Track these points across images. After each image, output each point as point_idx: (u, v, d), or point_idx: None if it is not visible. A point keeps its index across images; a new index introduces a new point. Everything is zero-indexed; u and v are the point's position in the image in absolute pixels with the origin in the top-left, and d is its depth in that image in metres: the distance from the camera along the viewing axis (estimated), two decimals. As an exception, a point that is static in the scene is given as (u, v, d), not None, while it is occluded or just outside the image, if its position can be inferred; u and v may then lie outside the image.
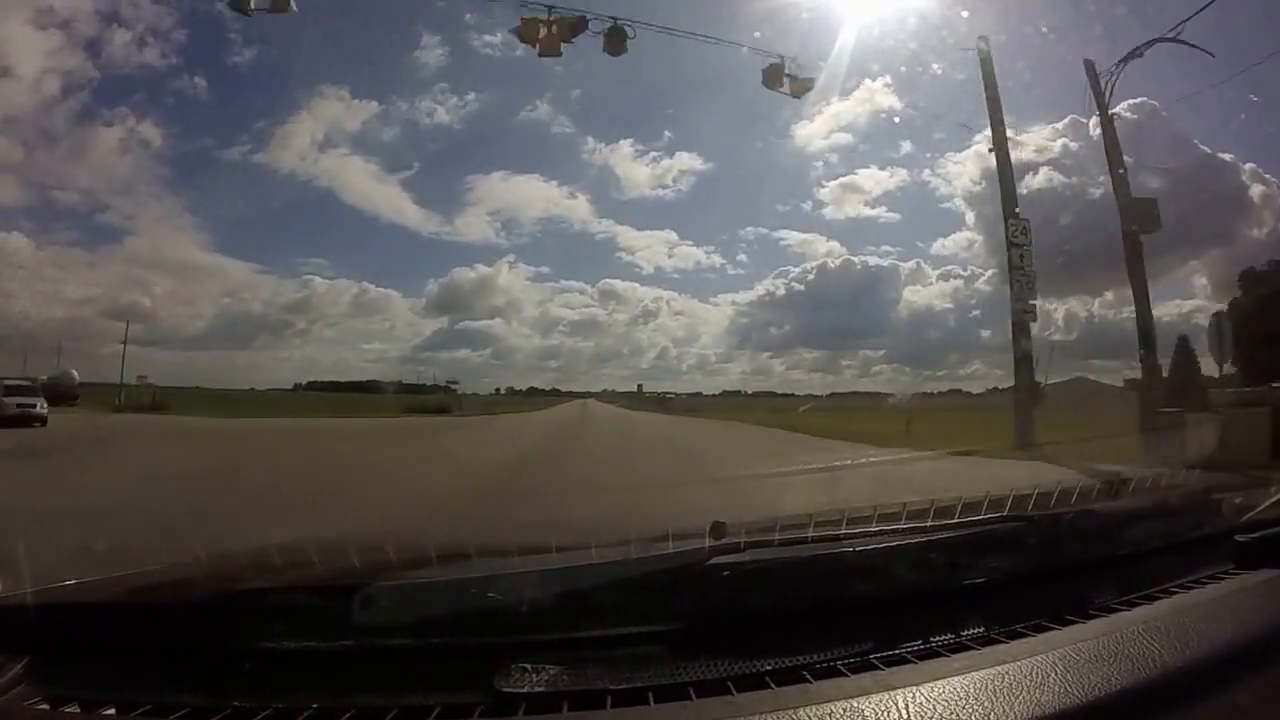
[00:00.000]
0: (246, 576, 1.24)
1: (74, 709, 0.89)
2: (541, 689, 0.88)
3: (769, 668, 0.92)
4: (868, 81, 37.76)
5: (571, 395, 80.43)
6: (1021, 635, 1.03)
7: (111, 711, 0.87)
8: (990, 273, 47.60)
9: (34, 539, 1.24)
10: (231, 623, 0.98)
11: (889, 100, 38.42)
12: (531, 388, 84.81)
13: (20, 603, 1.01)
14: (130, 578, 1.19)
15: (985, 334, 51.68)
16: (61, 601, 1.05)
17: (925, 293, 53.77)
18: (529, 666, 0.90)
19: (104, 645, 1.00)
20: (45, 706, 0.89)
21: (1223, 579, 1.26)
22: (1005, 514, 1.46)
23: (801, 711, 0.83)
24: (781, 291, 59.46)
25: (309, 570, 1.28)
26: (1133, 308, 12.53)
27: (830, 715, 0.82)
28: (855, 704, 0.83)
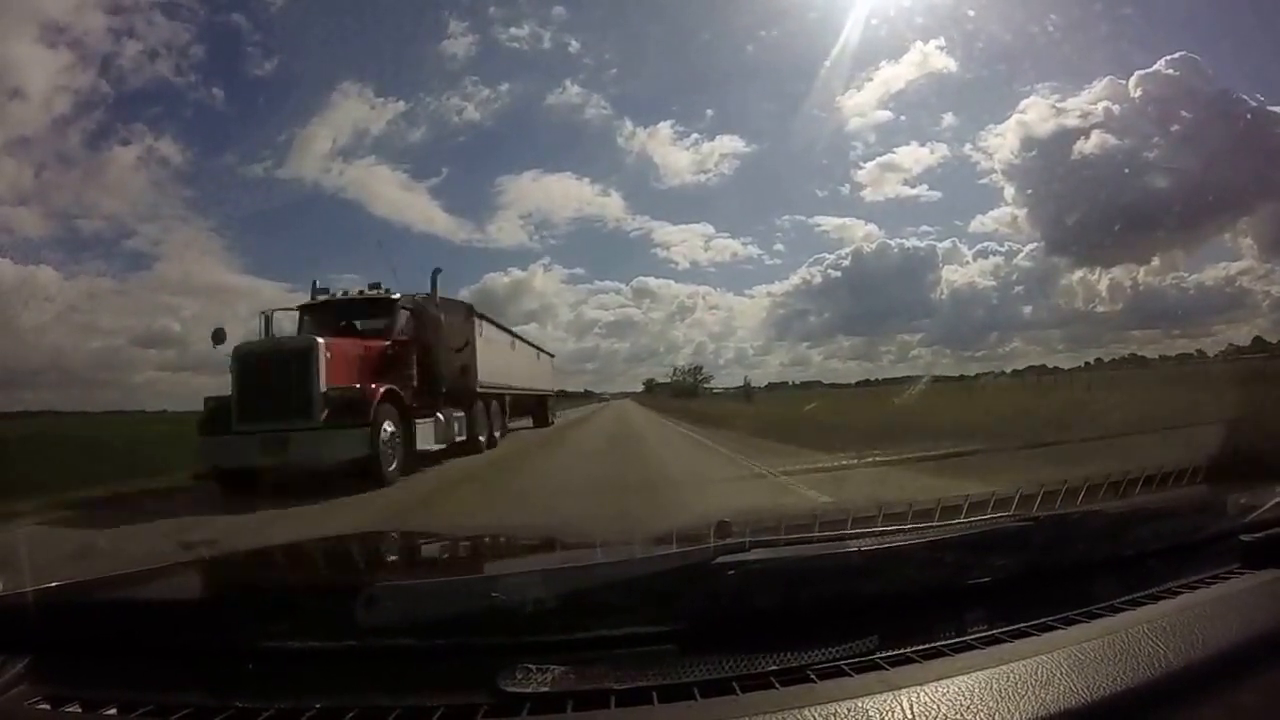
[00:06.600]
0: (249, 576, 1.25)
1: (75, 709, 0.88)
2: (546, 689, 0.88)
3: (773, 668, 0.92)
4: (919, 43, 36.89)
5: (602, 396, 79.50)
6: (1026, 635, 1.03)
7: (113, 711, 0.87)
8: (1031, 247, 46.43)
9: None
10: (234, 622, 0.98)
11: (942, 62, 37.29)
12: (559, 391, 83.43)
13: (21, 601, 1.01)
14: (133, 577, 1.19)
15: (1027, 310, 49.45)
16: (63, 600, 1.05)
17: (963, 272, 51.52)
18: (533, 667, 0.90)
19: (106, 644, 0.99)
20: (46, 706, 0.89)
21: (1229, 579, 1.25)
22: (1011, 513, 1.46)
23: (806, 711, 0.82)
24: (818, 279, 57.35)
25: (312, 570, 1.28)
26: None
27: (834, 715, 0.82)
28: (860, 704, 0.83)
